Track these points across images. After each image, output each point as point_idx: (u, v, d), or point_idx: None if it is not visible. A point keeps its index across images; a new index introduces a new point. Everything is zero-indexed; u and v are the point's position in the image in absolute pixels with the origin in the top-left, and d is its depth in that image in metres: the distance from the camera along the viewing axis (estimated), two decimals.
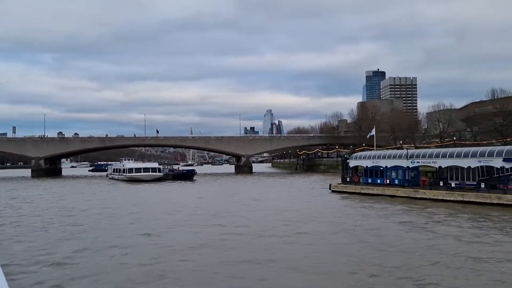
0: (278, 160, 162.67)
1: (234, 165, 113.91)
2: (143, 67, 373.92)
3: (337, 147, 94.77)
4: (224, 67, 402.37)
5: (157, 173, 66.71)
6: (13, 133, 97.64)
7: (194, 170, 74.35)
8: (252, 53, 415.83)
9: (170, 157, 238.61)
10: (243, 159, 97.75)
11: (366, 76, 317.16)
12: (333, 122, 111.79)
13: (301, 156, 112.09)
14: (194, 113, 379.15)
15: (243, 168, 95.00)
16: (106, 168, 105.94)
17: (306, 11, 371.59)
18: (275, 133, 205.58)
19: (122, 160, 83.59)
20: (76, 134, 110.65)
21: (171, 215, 25.24)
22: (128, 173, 66.52)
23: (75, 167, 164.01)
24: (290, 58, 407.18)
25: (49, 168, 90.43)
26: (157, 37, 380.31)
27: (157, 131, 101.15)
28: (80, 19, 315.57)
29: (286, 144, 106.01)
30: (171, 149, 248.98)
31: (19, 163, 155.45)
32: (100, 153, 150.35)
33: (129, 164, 73.27)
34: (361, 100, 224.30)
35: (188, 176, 67.93)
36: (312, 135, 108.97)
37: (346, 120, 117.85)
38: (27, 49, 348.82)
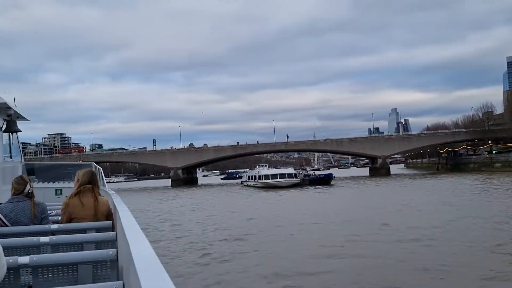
0: (413, 161, 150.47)
1: (368, 168, 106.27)
2: (264, 76, 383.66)
3: (489, 142, 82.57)
4: (343, 69, 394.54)
5: (294, 179, 63.92)
6: (154, 146, 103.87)
7: (331, 174, 69.79)
8: (371, 52, 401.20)
9: (295, 162, 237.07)
10: (379, 161, 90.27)
11: (508, 63, 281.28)
12: (478, 115, 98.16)
13: (443, 155, 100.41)
14: (315, 117, 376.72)
15: (380, 170, 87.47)
16: (237, 176, 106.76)
17: (425, 3, 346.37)
18: (402, 132, 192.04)
19: (256, 166, 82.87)
20: (205, 144, 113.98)
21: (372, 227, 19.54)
22: (264, 179, 64.66)
23: (207, 175, 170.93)
24: (412, 53, 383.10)
25: (186, 178, 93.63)
26: (276, 46, 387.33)
27: (287, 136, 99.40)
28: (203, 37, 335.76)
29: (426, 142, 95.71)
30: (296, 155, 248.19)
31: (161, 173, 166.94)
32: (229, 162, 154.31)
33: (264, 170, 71.72)
34: (502, 90, 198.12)
35: (325, 180, 63.63)
36: (456, 130, 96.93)
37: (492, 111, 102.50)
38: (160, 70, 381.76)
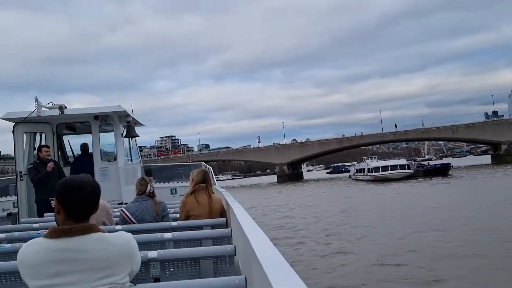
0: None
1: (490, 155, 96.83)
2: (365, 66, 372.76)
3: None
4: (451, 51, 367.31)
5: (407, 170, 60.91)
6: (258, 143, 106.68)
7: (449, 163, 65.20)
8: (482, 29, 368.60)
9: (403, 153, 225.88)
10: (503, 147, 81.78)
11: None
12: None
13: None
14: (422, 104, 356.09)
15: (504, 157, 79.00)
16: (343, 169, 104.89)
17: None
18: None
19: (364, 159, 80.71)
20: (308, 139, 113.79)
21: None
22: (374, 172, 62.51)
23: (312, 170, 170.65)
24: None
25: (291, 173, 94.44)
26: (377, 33, 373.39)
27: (396, 126, 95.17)
28: (301, 32, 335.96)
29: None
30: (404, 145, 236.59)
31: (267, 170, 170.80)
32: (333, 156, 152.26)
33: (374, 162, 69.40)
34: None
35: (443, 171, 59.54)
36: None
37: None
38: (260, 68, 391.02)
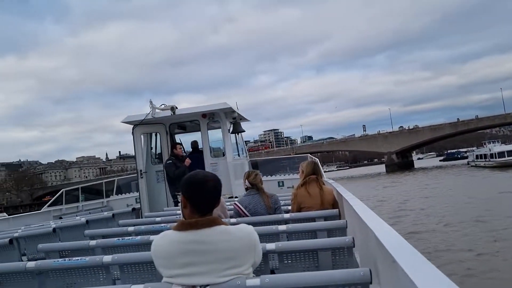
0: None
1: None
2: (477, 43, 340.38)
3: None
4: None
5: None
6: (364, 131, 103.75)
7: None
8: None
9: None
10: None
11: None
12: None
13: None
14: None
15: None
16: (459, 156, 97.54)
17: None
18: None
19: (485, 144, 74.25)
20: (416, 125, 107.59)
21: None
22: (499, 157, 57.34)
23: (422, 158, 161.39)
24: None
25: (401, 162, 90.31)
26: (489, 5, 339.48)
27: None
28: (403, 14, 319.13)
29: None
30: None
31: (374, 159, 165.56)
32: (445, 142, 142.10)
33: (498, 147, 63.45)
34: None
35: None
36: None
37: None
38: (362, 55, 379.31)
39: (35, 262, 3.31)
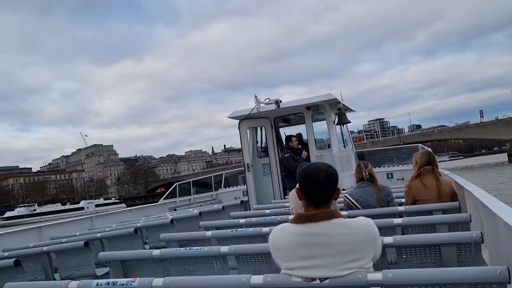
0: None
1: None
2: None
3: None
4: None
5: None
6: (481, 118, 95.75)
7: None
8: None
9: None
10: None
11: None
12: None
13: None
14: None
15: None
16: None
17: None
18: None
19: None
20: None
21: None
22: None
23: None
24: None
25: None
26: None
27: None
28: None
29: None
30: None
31: (493, 148, 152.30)
32: None
33: None
34: None
35: None
36: None
37: None
38: (477, 35, 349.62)
39: (159, 250, 3.60)
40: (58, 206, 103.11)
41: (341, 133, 10.78)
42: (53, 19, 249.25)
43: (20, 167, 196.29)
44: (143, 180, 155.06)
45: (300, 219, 2.15)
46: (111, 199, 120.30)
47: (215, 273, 3.38)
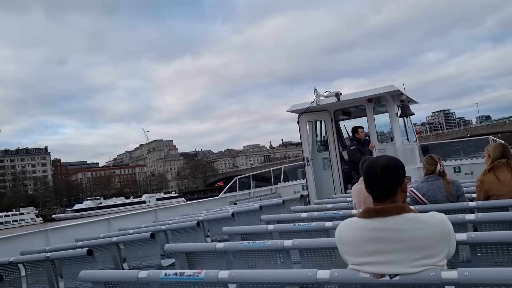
0: None
1: None
2: None
3: None
4: None
5: None
6: None
7: None
8: None
9: None
10: None
11: None
12: None
13: None
14: None
15: None
16: None
17: None
18: None
19: None
20: None
21: None
22: None
23: None
24: None
25: None
26: None
27: None
28: None
29: None
30: None
31: None
32: None
33: None
34: None
35: None
36: None
37: None
38: None
39: (223, 243, 3.67)
40: (122, 200, 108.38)
41: (404, 125, 10.46)
42: (118, 20, 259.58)
43: (88, 162, 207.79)
44: (202, 174, 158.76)
45: (368, 214, 2.10)
46: (171, 193, 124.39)
47: (277, 267, 3.39)
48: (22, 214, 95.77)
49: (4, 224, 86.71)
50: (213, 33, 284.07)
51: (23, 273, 4.98)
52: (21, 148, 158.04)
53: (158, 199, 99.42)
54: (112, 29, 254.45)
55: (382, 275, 2.00)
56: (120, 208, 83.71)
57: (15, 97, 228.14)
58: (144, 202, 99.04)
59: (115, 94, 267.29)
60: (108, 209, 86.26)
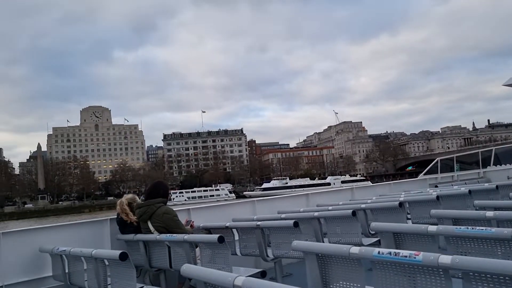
0: None
1: None
2: None
3: None
4: None
5: None
6: None
7: None
8: None
9: None
10: None
11: None
12: None
13: None
14: None
15: None
16: None
17: None
18: None
19: None
20: None
21: None
22: None
23: None
24: None
25: None
26: None
27: None
28: None
29: None
30: None
31: None
32: None
33: None
34: None
35: None
36: None
37: None
38: None
39: (436, 226, 3.49)
40: (306, 181, 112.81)
41: None
42: (314, 4, 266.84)
43: (279, 143, 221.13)
44: (392, 157, 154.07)
45: None
46: (356, 176, 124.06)
47: (496, 258, 3.08)
48: (218, 190, 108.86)
49: (203, 198, 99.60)
50: (413, 6, 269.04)
51: (236, 237, 5.63)
52: (221, 130, 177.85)
53: (343, 182, 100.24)
54: (309, 14, 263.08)
55: None
56: (304, 188, 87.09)
57: (224, 84, 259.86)
58: (329, 184, 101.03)
59: (311, 77, 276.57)
60: (293, 189, 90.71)
